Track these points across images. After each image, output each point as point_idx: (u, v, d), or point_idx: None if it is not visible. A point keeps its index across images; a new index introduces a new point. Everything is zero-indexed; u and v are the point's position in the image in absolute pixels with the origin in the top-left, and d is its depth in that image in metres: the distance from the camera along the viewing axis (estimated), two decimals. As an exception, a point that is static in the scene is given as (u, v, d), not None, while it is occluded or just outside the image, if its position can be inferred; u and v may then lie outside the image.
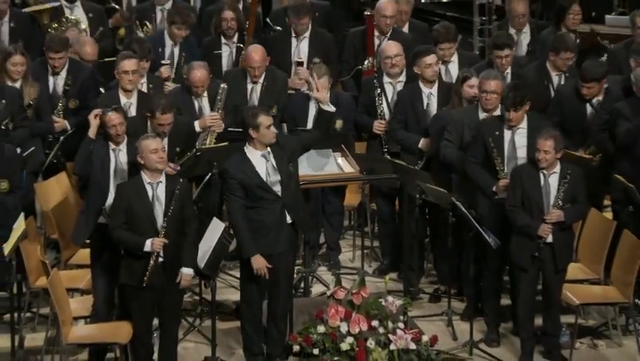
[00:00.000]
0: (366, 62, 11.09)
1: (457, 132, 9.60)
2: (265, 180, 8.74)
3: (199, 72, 10.09)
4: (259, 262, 8.70)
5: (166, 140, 9.19)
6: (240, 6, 11.56)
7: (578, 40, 11.12)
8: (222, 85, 10.21)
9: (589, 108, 10.12)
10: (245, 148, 8.81)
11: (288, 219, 8.79)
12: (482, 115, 9.60)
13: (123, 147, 8.91)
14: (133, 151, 8.76)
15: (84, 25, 11.47)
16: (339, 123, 10.32)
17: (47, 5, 11.46)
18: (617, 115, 9.72)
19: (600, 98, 10.08)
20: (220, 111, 10.12)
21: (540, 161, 8.92)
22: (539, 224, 8.89)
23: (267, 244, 8.75)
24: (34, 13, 11.51)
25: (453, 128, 9.63)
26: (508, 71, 10.62)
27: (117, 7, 12.18)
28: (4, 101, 9.79)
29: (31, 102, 10.09)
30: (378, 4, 11.18)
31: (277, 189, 8.75)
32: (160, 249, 8.43)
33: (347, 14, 12.45)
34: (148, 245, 8.43)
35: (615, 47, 10.94)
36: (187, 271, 8.58)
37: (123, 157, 8.91)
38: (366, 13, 11.35)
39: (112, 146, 8.91)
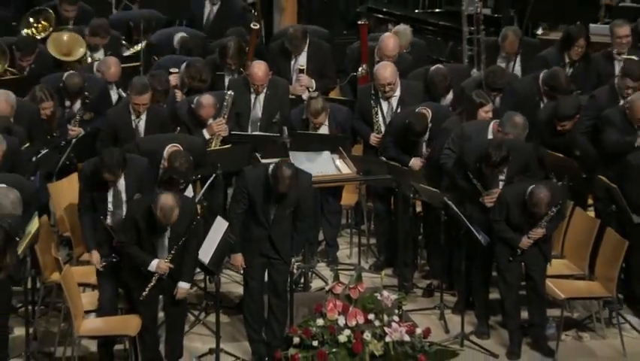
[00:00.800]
0: (360, 69, 11.09)
1: (461, 145, 9.48)
2: (269, 203, 8.77)
3: (208, 109, 10.13)
4: (236, 260, 8.87)
5: None
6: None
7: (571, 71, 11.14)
8: (229, 92, 10.25)
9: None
10: (269, 171, 8.77)
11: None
12: (490, 136, 9.54)
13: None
14: (131, 183, 8.86)
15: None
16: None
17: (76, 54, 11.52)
18: (605, 122, 9.72)
19: None
20: (225, 117, 10.15)
21: (537, 210, 8.88)
22: (521, 236, 8.96)
23: (248, 249, 8.85)
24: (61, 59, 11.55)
25: (459, 140, 9.55)
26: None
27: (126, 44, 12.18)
28: (20, 128, 9.81)
29: (55, 134, 10.18)
30: (381, 42, 11.05)
31: (271, 217, 8.80)
32: (163, 272, 8.48)
33: (344, 24, 12.44)
34: (154, 266, 8.49)
35: (594, 56, 10.91)
36: (184, 286, 8.61)
37: (121, 186, 8.93)
38: (359, 22, 11.34)
39: None
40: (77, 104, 10.54)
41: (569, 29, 11.08)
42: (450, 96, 10.64)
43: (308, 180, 8.97)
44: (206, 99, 10.16)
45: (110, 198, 8.89)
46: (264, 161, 9.75)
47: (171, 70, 10.94)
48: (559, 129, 10.01)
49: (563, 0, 13.16)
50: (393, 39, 11.05)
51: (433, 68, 10.78)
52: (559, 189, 9.05)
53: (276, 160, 9.07)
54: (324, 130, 10.25)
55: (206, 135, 10.11)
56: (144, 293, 8.48)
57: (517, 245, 8.96)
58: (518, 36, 11.51)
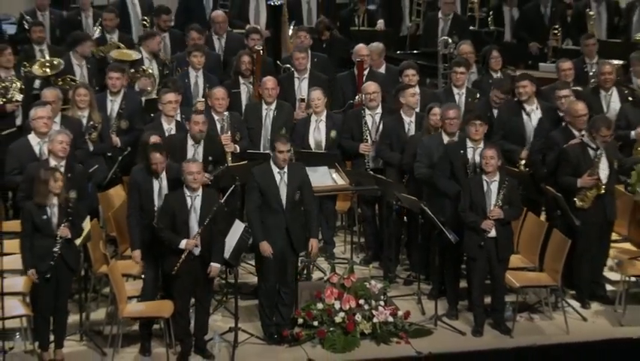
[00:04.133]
0: (357, 97, 11.07)
1: (427, 155, 9.61)
2: (278, 189, 8.80)
3: (217, 90, 10.27)
4: (265, 248, 8.74)
5: (201, 149, 9.45)
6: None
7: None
8: (225, 113, 10.26)
9: (525, 118, 10.16)
10: (270, 162, 8.89)
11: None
12: (446, 138, 9.59)
13: (163, 174, 8.87)
14: (172, 173, 8.80)
15: (155, 77, 11.47)
16: (333, 134, 10.41)
17: (132, 57, 11.48)
18: (550, 144, 9.74)
19: (534, 107, 10.15)
20: (229, 133, 10.17)
21: (486, 165, 8.97)
22: (483, 220, 8.96)
23: (270, 242, 8.79)
24: (118, 58, 11.51)
25: (423, 152, 9.62)
26: (463, 90, 10.78)
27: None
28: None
29: (96, 125, 10.14)
30: (356, 49, 11.38)
31: (283, 202, 8.81)
32: (192, 248, 8.46)
33: (341, 61, 12.47)
34: (183, 244, 8.46)
35: (544, 89, 11.01)
36: (216, 265, 8.62)
37: (164, 182, 8.86)
38: (356, 60, 11.41)
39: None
40: (116, 105, 10.49)
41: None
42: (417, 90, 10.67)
43: (302, 168, 9.01)
44: (217, 88, 10.31)
45: (155, 197, 8.82)
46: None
47: (198, 100, 10.97)
48: (521, 92, 10.11)
49: (518, 45, 13.29)
50: (364, 48, 11.37)
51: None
52: (506, 177, 9.11)
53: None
54: (322, 124, 10.38)
55: None
56: (175, 268, 8.44)
57: (480, 226, 8.96)
58: (471, 46, 11.57)
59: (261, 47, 11.57)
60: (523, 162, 10.11)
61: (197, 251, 8.55)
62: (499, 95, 10.51)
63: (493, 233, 8.97)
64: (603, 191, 9.39)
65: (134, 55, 11.55)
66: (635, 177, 9.10)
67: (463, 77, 10.87)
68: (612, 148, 9.66)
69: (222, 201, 9.45)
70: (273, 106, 10.60)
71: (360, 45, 11.43)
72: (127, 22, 12.73)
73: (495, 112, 10.52)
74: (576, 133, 9.64)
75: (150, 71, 11.44)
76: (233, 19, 12.84)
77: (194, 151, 9.60)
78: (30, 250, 8.35)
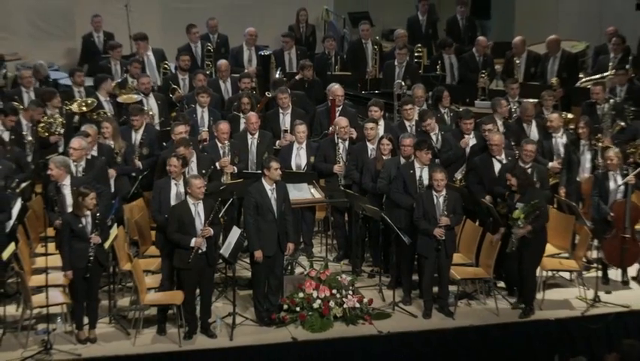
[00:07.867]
0: (330, 128, 11.07)
1: (387, 173, 9.69)
2: (270, 202, 8.85)
3: (223, 127, 10.23)
4: (258, 255, 8.82)
5: (194, 165, 9.48)
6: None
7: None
8: (227, 142, 10.27)
9: (463, 145, 10.25)
10: (262, 180, 8.93)
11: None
12: (403, 160, 9.67)
13: (181, 181, 8.97)
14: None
15: (155, 112, 11.50)
16: (312, 159, 10.40)
17: (134, 98, 11.52)
18: (471, 168, 9.88)
19: (470, 135, 10.24)
20: (229, 157, 10.20)
21: (437, 186, 9.07)
22: (434, 228, 9.05)
23: (265, 246, 8.85)
24: (124, 102, 11.57)
25: (385, 171, 9.71)
26: (413, 123, 10.77)
27: (177, 87, 12.19)
28: (103, 158, 9.90)
29: (118, 152, 10.19)
30: (332, 89, 11.33)
31: (275, 213, 8.86)
32: (200, 245, 8.50)
33: (317, 98, 12.54)
34: (193, 242, 8.50)
35: (479, 120, 11.12)
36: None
37: (181, 188, 8.96)
38: (330, 98, 11.52)
39: (174, 181, 8.97)
40: (139, 135, 10.51)
41: (460, 113, 11.16)
42: (382, 122, 10.69)
43: (285, 185, 9.06)
44: (222, 123, 10.33)
45: (172, 199, 8.91)
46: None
47: (202, 129, 11.00)
48: (467, 128, 10.21)
49: (458, 86, 13.39)
50: (339, 88, 11.29)
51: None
52: (450, 191, 9.18)
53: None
54: (302, 152, 10.37)
55: (218, 165, 10.09)
56: (189, 262, 8.46)
57: (431, 233, 8.99)
58: (422, 89, 11.55)
59: (270, 94, 11.62)
60: (459, 176, 10.20)
61: (204, 247, 8.58)
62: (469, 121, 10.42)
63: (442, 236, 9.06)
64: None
65: (134, 97, 11.59)
66: (518, 214, 9.18)
67: (412, 113, 10.92)
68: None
69: (223, 211, 9.51)
70: (256, 135, 10.61)
71: (336, 87, 11.47)
72: (143, 70, 12.77)
73: (439, 137, 10.56)
74: (498, 158, 9.76)
75: (146, 107, 11.43)
76: (232, 66, 12.90)
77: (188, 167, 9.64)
78: (69, 253, 8.40)
